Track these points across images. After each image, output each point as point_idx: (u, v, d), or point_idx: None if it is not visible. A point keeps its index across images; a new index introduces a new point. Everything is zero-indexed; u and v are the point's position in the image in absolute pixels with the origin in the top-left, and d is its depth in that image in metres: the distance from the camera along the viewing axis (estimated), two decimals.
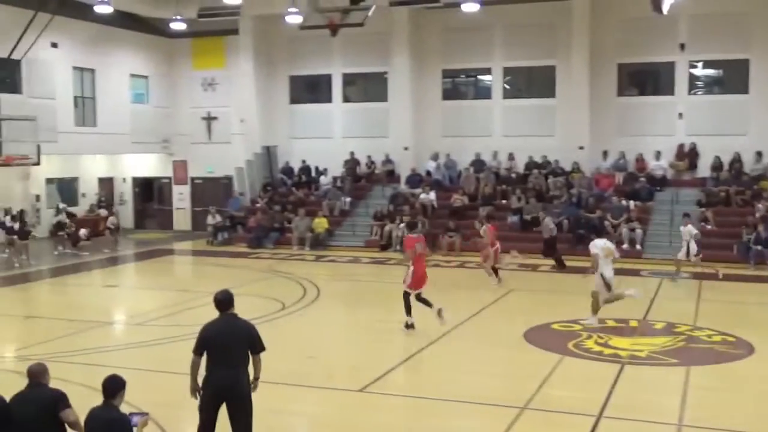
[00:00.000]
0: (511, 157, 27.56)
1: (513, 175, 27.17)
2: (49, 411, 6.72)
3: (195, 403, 7.62)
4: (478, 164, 27.64)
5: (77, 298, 18.95)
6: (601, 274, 14.09)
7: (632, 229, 23.31)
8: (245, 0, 25.53)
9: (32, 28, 21.03)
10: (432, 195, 26.44)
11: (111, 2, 23.60)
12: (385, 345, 13.62)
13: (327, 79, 30.29)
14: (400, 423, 9.76)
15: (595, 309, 14.18)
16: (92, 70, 28.93)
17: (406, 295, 14.00)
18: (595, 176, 26.19)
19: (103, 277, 21.70)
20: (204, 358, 7.66)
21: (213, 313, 7.70)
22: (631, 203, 24.51)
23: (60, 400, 6.82)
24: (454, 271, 21.63)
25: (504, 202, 26.23)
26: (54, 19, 22.03)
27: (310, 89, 31.26)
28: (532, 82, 28.84)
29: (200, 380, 7.63)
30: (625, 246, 22.41)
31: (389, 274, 19.95)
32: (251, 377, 7.80)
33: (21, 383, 6.98)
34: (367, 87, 30.71)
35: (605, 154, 26.63)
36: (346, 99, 30.45)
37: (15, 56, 21.47)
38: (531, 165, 27.25)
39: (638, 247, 23.10)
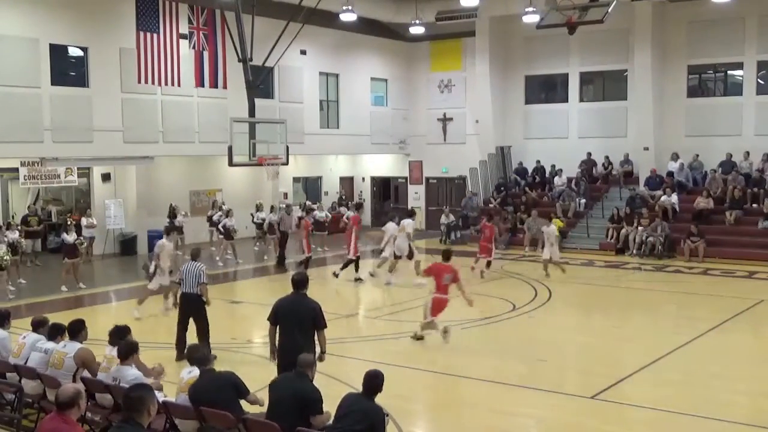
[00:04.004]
0: (765, 158, 25.44)
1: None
2: (302, 406, 7.12)
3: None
4: (727, 165, 25.82)
5: (318, 292, 19.99)
6: None
7: None
8: (482, 1, 25.69)
9: (284, 37, 22.51)
10: (674, 197, 25.08)
11: (355, 10, 24.73)
12: (619, 352, 13.14)
13: (563, 79, 29.72)
14: None
15: None
16: (336, 75, 30.48)
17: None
18: None
19: (342, 272, 22.75)
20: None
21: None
22: None
23: (317, 403, 7.19)
24: (696, 278, 20.41)
25: (755, 206, 24.35)
26: (303, 27, 23.45)
27: (546, 89, 30.84)
28: None
29: None
30: None
31: (626, 278, 19.24)
32: (318, 350, 8.78)
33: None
34: (606, 85, 29.73)
35: None
36: (583, 98, 29.73)
37: (268, 63, 23.09)
38: None
39: None
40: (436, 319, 13.00)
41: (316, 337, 8.89)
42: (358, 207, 22.03)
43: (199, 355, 7.83)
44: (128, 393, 5.90)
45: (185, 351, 8.18)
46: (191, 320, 12.14)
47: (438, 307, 13.03)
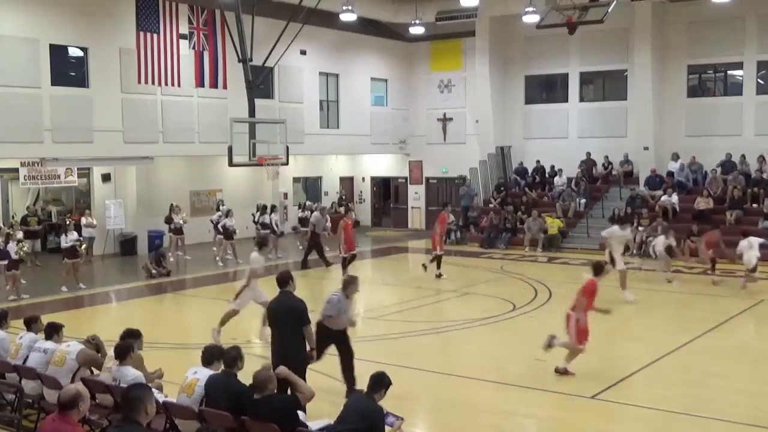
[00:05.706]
0: (761, 159, 25.42)
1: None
2: (287, 417, 7.08)
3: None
4: (727, 165, 25.80)
5: (320, 290, 20.00)
6: None
7: None
8: (482, 1, 25.68)
9: (284, 37, 22.52)
10: (674, 197, 25.08)
11: (355, 10, 24.72)
12: (620, 352, 13.14)
13: (563, 79, 29.71)
14: None
15: None
16: (336, 75, 30.46)
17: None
18: None
19: (342, 271, 22.71)
20: None
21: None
22: None
23: (296, 409, 7.18)
24: (697, 277, 20.40)
25: (755, 206, 24.35)
26: (303, 28, 23.44)
27: (546, 89, 30.84)
28: None
29: None
30: None
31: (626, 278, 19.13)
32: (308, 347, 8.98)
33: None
34: (606, 85, 29.73)
35: None
36: (583, 98, 29.72)
37: (268, 63, 23.08)
38: None
39: None
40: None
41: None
42: (445, 205, 22.11)
43: (229, 355, 7.79)
44: (125, 393, 5.95)
45: (204, 350, 8.04)
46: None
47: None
